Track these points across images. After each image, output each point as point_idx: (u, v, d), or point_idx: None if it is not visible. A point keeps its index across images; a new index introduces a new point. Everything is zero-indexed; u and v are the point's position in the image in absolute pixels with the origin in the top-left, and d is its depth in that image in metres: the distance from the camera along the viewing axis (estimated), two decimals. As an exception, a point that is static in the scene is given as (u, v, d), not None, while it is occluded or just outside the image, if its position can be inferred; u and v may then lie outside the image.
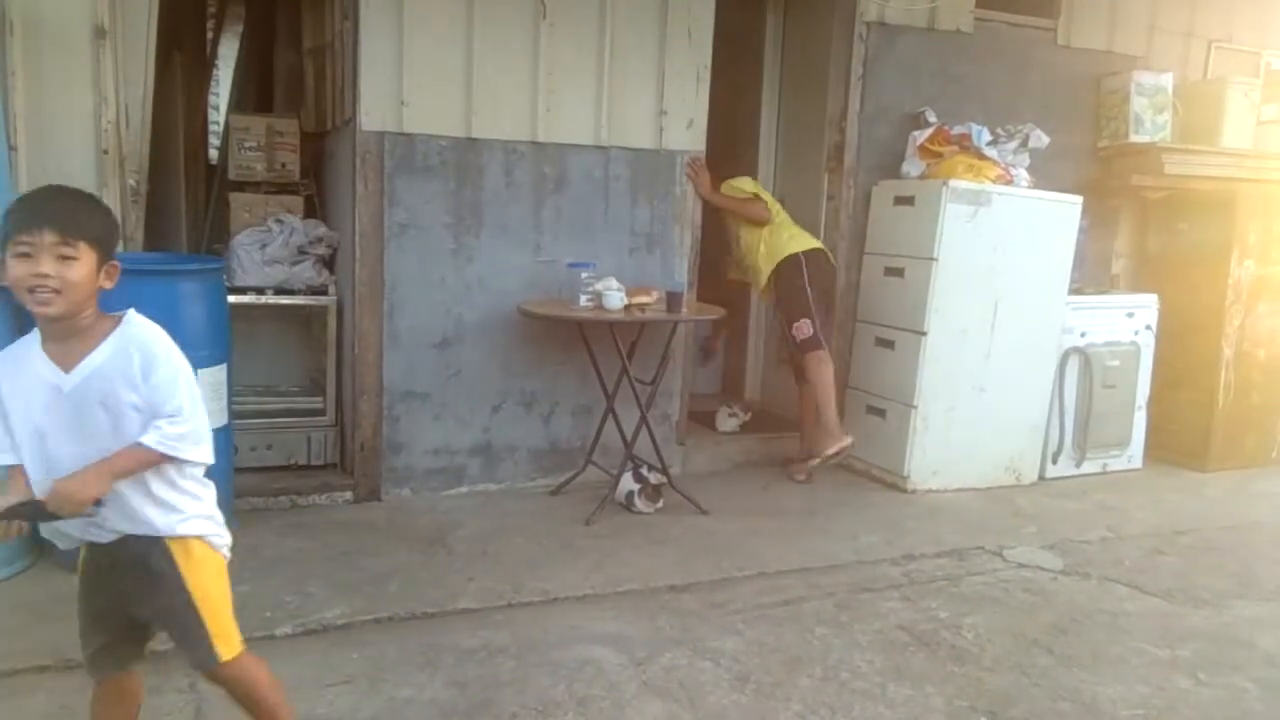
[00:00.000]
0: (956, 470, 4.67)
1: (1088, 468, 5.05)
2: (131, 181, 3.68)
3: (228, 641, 1.94)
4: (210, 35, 6.23)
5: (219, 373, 3.34)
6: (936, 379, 4.55)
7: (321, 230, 4.38)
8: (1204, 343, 5.19)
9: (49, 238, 1.72)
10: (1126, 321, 5.08)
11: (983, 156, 4.65)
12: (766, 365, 5.70)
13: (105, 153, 3.55)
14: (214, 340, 3.35)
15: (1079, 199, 4.76)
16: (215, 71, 6.45)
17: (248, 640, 2.02)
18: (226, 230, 4.53)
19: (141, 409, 1.80)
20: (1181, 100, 5.38)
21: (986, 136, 4.73)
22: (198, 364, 3.25)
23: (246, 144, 4.65)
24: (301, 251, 4.26)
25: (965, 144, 4.69)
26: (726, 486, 4.55)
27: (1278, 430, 5.41)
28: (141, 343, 1.81)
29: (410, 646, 2.84)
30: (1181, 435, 5.27)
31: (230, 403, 3.45)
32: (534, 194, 4.25)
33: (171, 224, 4.67)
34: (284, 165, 4.69)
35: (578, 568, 3.49)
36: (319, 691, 2.18)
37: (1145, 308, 5.12)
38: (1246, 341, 5.22)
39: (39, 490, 1.76)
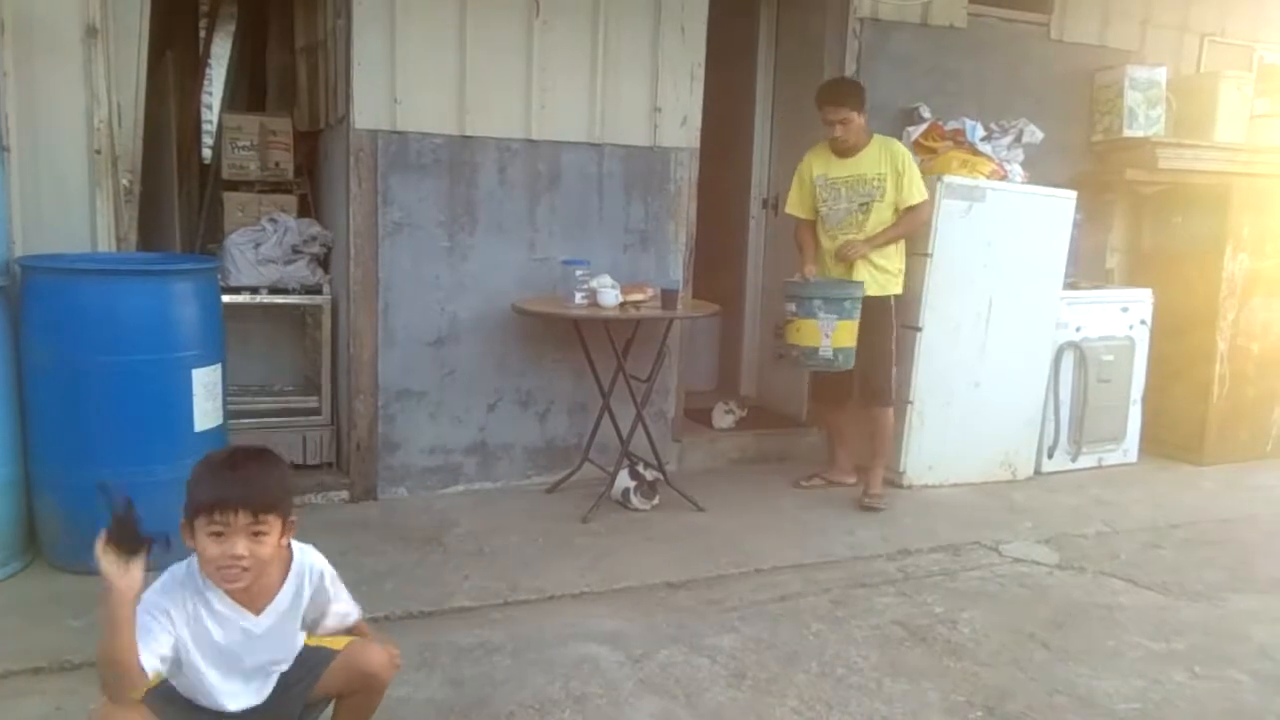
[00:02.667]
0: (952, 466, 4.67)
1: (1083, 462, 5.06)
2: (124, 181, 3.67)
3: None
4: (203, 34, 6.21)
5: (213, 373, 3.33)
6: (932, 375, 4.55)
7: (315, 229, 4.37)
8: (1198, 337, 5.20)
9: (243, 519, 1.74)
10: (1121, 316, 5.08)
11: (976, 152, 4.64)
12: (763, 361, 5.69)
13: (98, 152, 3.53)
14: (208, 340, 3.34)
15: (1073, 194, 4.76)
16: (208, 70, 6.42)
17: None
18: (220, 229, 4.52)
19: (336, 609, 2.03)
20: (1175, 94, 5.38)
21: (980, 132, 4.73)
22: (192, 364, 3.22)
23: (240, 143, 4.64)
24: (295, 250, 4.26)
25: (959, 139, 4.69)
26: (723, 483, 4.54)
27: (1272, 424, 5.42)
28: (313, 569, 1.96)
29: (407, 645, 2.81)
30: (1176, 429, 5.28)
31: (225, 403, 3.44)
32: (528, 192, 4.24)
33: (165, 223, 4.65)
34: (277, 164, 4.69)
35: (574, 565, 3.49)
36: (315, 691, 2.22)
37: (1140, 302, 5.13)
38: (1240, 335, 5.23)
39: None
